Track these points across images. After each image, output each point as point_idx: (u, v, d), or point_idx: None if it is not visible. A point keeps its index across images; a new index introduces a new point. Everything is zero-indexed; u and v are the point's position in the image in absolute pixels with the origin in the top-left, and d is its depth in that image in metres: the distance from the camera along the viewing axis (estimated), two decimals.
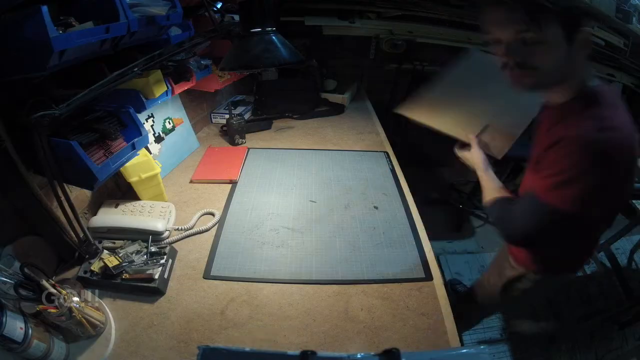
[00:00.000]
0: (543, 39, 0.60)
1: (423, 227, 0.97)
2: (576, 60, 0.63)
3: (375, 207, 1.03)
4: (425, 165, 2.51)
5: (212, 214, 1.00)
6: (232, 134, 1.40)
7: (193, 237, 0.92)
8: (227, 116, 1.41)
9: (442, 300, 0.75)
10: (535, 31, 0.59)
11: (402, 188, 1.13)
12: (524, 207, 0.71)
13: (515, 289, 0.96)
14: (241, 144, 1.41)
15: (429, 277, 0.81)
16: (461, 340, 0.68)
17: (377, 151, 1.36)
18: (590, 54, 0.63)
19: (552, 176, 0.63)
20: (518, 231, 0.72)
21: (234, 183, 1.14)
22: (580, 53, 0.62)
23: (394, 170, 1.22)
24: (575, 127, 0.61)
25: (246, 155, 1.31)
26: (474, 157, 0.89)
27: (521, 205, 0.72)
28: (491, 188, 0.84)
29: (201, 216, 0.99)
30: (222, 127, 1.51)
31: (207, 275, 0.80)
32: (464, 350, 0.60)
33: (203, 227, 0.94)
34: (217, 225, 0.96)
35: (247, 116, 1.62)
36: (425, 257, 0.86)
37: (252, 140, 1.45)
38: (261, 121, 1.59)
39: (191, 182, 1.16)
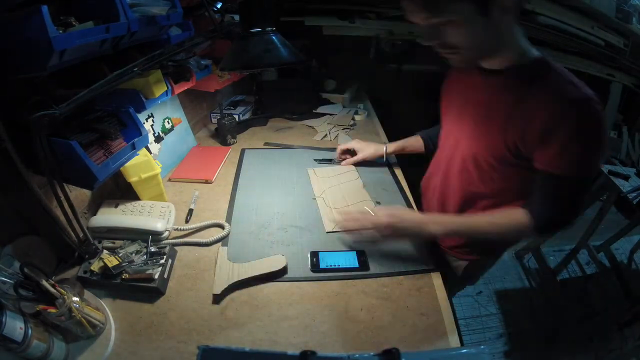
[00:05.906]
0: (450, 21, 0.60)
1: None
2: (503, 28, 0.63)
3: (378, 202, 1.04)
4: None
5: (222, 227, 0.93)
6: (223, 134, 1.39)
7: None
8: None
9: (442, 300, 0.75)
10: (437, 16, 0.60)
11: (402, 188, 1.13)
12: (558, 193, 0.68)
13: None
14: (233, 143, 1.41)
15: (429, 270, 0.81)
16: (461, 341, 0.68)
17: None
18: (518, 17, 0.63)
19: (563, 150, 0.63)
20: (566, 218, 0.70)
21: (209, 183, 1.14)
22: (505, 20, 0.62)
23: (394, 172, 1.22)
24: (560, 93, 0.63)
25: (242, 156, 1.31)
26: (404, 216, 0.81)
27: (548, 194, 0.69)
28: (475, 224, 0.78)
29: (207, 227, 0.94)
30: (216, 128, 1.50)
31: None
32: (464, 350, 0.61)
33: (210, 239, 0.88)
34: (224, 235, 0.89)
35: (247, 116, 1.62)
36: (425, 252, 0.86)
37: (250, 140, 1.45)
38: (260, 119, 1.60)
39: (170, 180, 1.15)
